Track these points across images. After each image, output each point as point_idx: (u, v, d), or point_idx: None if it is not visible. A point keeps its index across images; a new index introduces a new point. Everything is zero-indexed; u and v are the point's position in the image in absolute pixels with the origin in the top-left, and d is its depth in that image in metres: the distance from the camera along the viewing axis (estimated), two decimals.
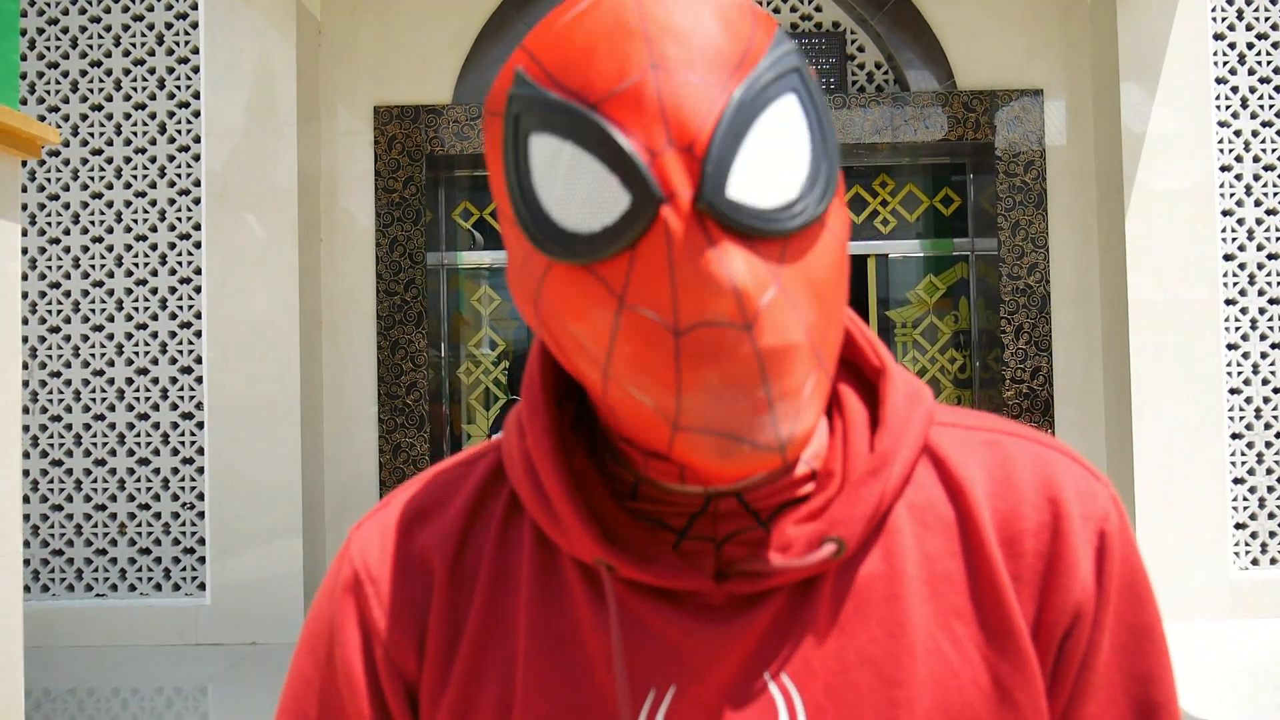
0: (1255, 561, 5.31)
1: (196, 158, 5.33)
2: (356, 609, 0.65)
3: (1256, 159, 5.37)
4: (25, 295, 5.33)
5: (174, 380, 5.33)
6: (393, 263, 5.67)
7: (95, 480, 5.33)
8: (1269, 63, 5.39)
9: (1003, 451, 0.65)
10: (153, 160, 5.36)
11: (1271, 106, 5.39)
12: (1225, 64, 5.38)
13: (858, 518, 0.59)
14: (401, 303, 5.66)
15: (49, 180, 5.36)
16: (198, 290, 5.32)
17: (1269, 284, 5.37)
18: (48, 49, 5.39)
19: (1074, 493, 0.63)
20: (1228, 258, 5.35)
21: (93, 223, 5.36)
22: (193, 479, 5.31)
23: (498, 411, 5.99)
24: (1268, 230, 5.37)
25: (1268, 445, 5.34)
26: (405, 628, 0.64)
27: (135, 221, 5.35)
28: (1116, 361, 5.44)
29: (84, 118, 5.38)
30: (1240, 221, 5.36)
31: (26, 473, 5.32)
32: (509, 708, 0.61)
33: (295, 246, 5.31)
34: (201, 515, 5.29)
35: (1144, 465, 5.22)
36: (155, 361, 5.33)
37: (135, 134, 5.36)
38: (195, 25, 5.35)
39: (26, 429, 5.31)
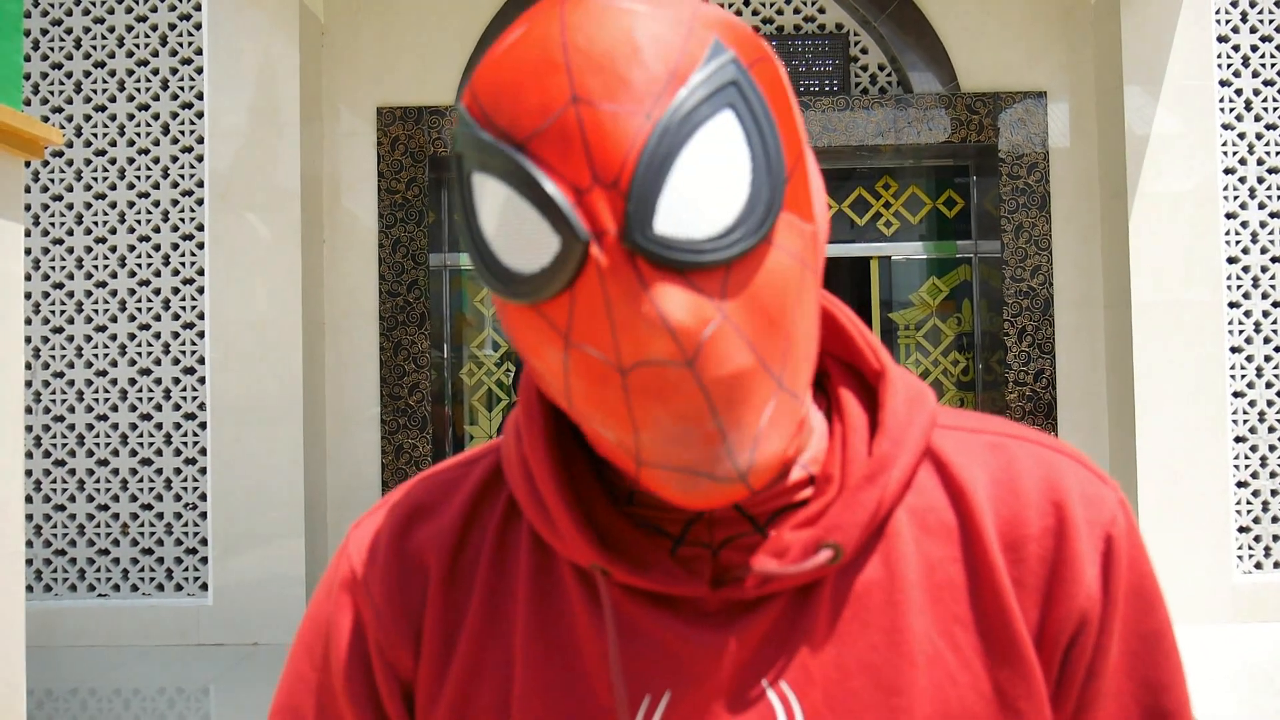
0: (1259, 565, 5.30)
1: (200, 158, 5.34)
2: (353, 607, 0.65)
3: (1260, 161, 5.36)
4: (28, 296, 5.34)
5: (176, 381, 5.33)
6: (395, 264, 5.67)
7: (98, 480, 5.34)
8: (1273, 65, 5.38)
9: (1007, 455, 0.63)
10: (156, 161, 5.36)
11: (1275, 109, 5.38)
12: (1229, 66, 5.37)
13: (855, 523, 0.59)
14: (404, 304, 5.67)
15: (52, 181, 5.37)
16: (200, 291, 5.33)
17: (1273, 287, 5.36)
18: (51, 50, 5.40)
19: (1079, 497, 0.62)
20: (1231, 260, 5.35)
21: (96, 223, 5.37)
22: (195, 479, 5.31)
23: (500, 413, 5.99)
24: (1271, 233, 5.36)
25: (1271, 449, 5.33)
26: (401, 627, 0.64)
27: (138, 222, 5.36)
28: (1120, 364, 5.43)
29: (87, 118, 5.39)
30: (1244, 224, 5.36)
31: (29, 472, 5.32)
32: (506, 711, 0.61)
33: (298, 247, 5.31)
34: (204, 516, 5.30)
35: (1147, 468, 5.21)
36: (158, 362, 5.33)
37: (139, 135, 5.37)
38: (199, 26, 5.36)
39: (29, 429, 5.32)
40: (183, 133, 5.36)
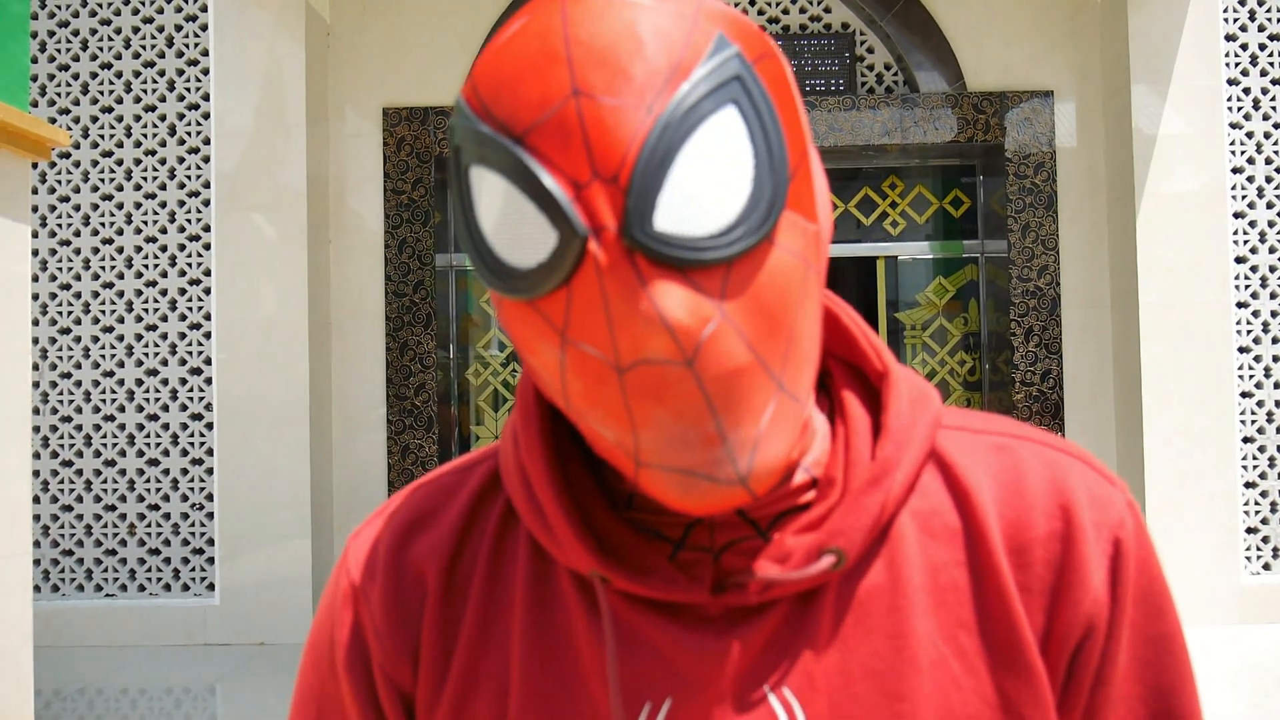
0: (1267, 566, 5.28)
1: (206, 159, 5.35)
2: (353, 620, 0.65)
3: (1269, 161, 5.34)
4: (36, 297, 5.35)
5: (183, 381, 5.34)
6: (401, 264, 5.68)
7: (105, 481, 5.35)
8: None
9: (1013, 456, 0.62)
10: (162, 162, 5.37)
11: None
12: (1237, 65, 5.35)
13: (858, 528, 0.58)
14: (410, 304, 5.67)
15: (59, 182, 5.39)
16: (207, 291, 5.34)
17: None
18: (58, 51, 5.42)
19: (1087, 499, 0.61)
20: (1239, 260, 5.33)
21: (103, 224, 5.38)
22: (202, 480, 5.32)
23: (506, 413, 5.99)
24: (1279, 233, 5.35)
25: (1279, 449, 5.31)
26: (400, 639, 0.63)
27: (145, 223, 5.37)
28: (1127, 364, 5.42)
29: (94, 120, 5.40)
30: (1252, 224, 5.34)
31: (37, 473, 5.34)
32: (504, 717, 0.60)
33: (304, 248, 5.32)
34: (210, 516, 5.31)
35: (1154, 469, 5.19)
36: (165, 363, 5.35)
37: (145, 136, 5.38)
38: (205, 28, 5.37)
39: (37, 429, 5.33)
40: (189, 134, 5.37)
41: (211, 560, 5.30)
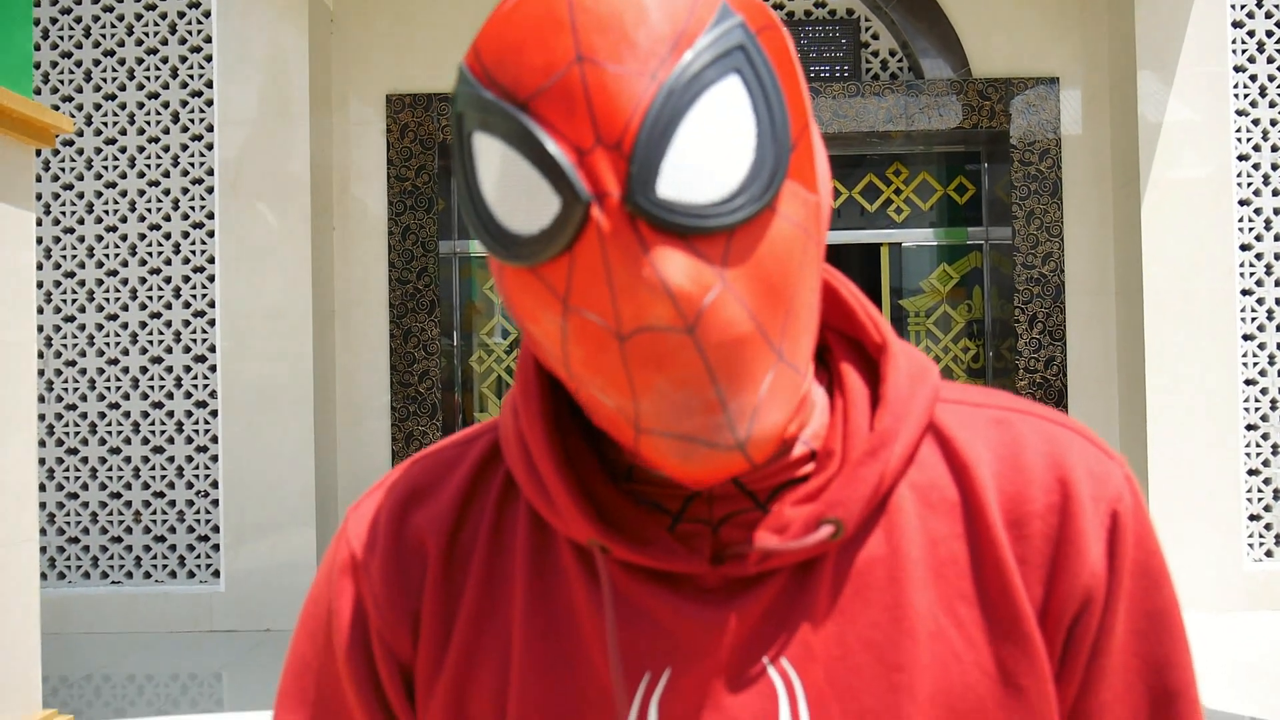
0: (1269, 553, 5.29)
1: (209, 147, 5.35)
2: (353, 591, 0.65)
3: (1275, 148, 5.33)
4: (40, 285, 5.36)
5: (188, 369, 5.35)
6: (405, 251, 5.68)
7: (110, 468, 5.37)
8: None
9: (1011, 430, 0.63)
10: (166, 149, 5.37)
11: None
12: (1244, 52, 5.33)
13: (856, 499, 0.58)
14: (414, 291, 5.67)
15: (63, 170, 5.39)
16: (211, 279, 5.34)
17: None
18: (61, 38, 5.41)
19: (1085, 473, 0.61)
20: (1244, 248, 5.32)
21: (106, 212, 5.38)
22: (207, 467, 5.34)
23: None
24: None
25: None
26: (399, 610, 0.63)
27: (149, 211, 5.37)
28: (1131, 352, 5.41)
29: (97, 107, 5.40)
30: (1258, 211, 5.32)
31: (42, 461, 5.35)
32: (504, 690, 0.60)
33: (308, 235, 5.32)
34: (216, 503, 5.32)
35: (1158, 456, 5.20)
36: (169, 350, 5.36)
37: (148, 123, 5.38)
38: (208, 14, 5.36)
39: (42, 417, 5.35)
40: (192, 121, 5.37)
41: (217, 547, 5.32)
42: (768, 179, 0.51)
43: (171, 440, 5.35)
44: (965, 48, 5.72)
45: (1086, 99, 5.69)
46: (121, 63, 5.40)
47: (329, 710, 0.66)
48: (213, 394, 5.33)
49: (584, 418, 0.64)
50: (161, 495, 5.36)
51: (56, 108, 5.37)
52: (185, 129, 5.37)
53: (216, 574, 5.33)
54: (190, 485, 5.35)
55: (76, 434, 5.37)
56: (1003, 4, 5.72)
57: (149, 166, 5.37)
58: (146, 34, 5.39)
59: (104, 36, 5.41)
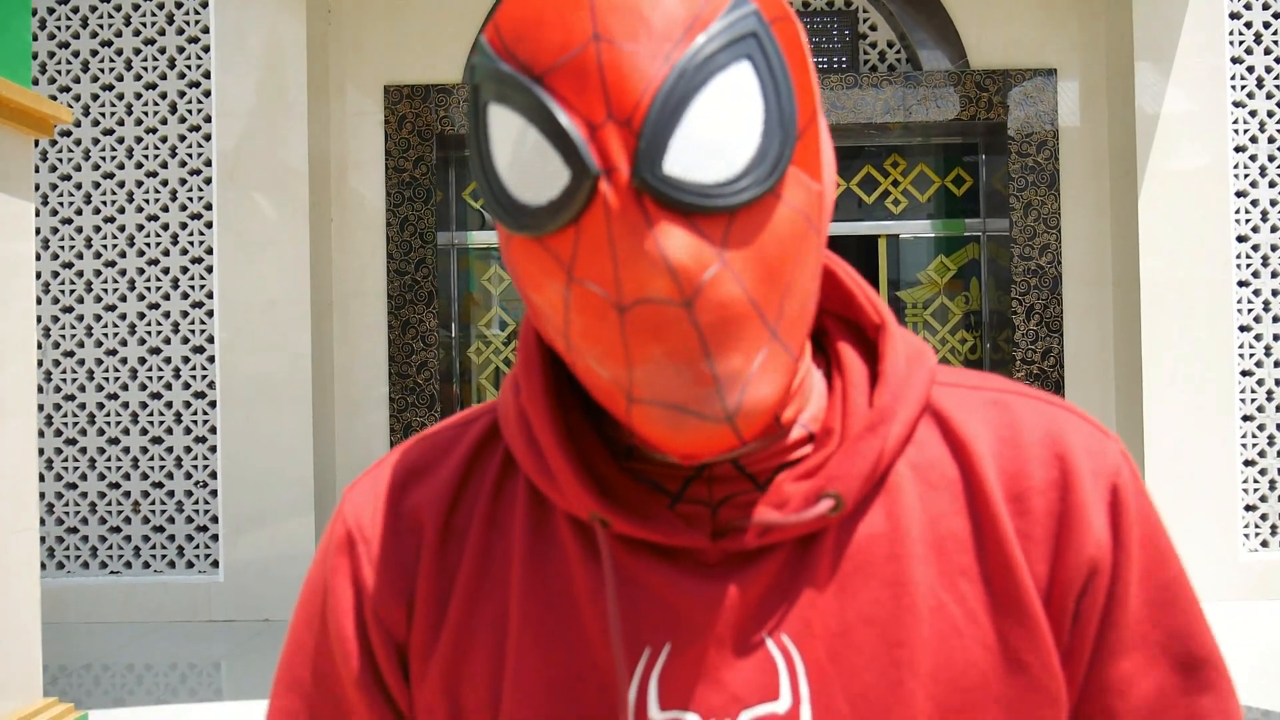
0: (1265, 544, 5.31)
1: (207, 137, 5.35)
2: (349, 568, 0.65)
3: (1271, 140, 5.33)
4: (38, 275, 5.36)
5: (186, 360, 5.36)
6: (403, 242, 5.68)
7: (109, 459, 5.37)
8: None
9: (1008, 410, 0.63)
10: (164, 140, 5.37)
11: None
12: (1241, 44, 5.33)
13: (855, 474, 0.59)
14: (412, 282, 5.68)
15: (60, 160, 5.38)
16: (209, 270, 5.34)
17: None
18: (58, 28, 5.40)
19: (1083, 450, 0.62)
20: (1241, 239, 5.33)
21: (104, 203, 5.38)
22: (205, 458, 5.34)
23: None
24: None
25: (1279, 427, 5.33)
26: (395, 587, 0.63)
27: (147, 201, 5.37)
28: (1128, 343, 5.43)
29: (95, 97, 5.39)
30: (1254, 203, 5.33)
31: (41, 451, 5.36)
32: (500, 667, 0.60)
33: (306, 226, 5.32)
34: (214, 494, 5.33)
35: (1155, 447, 5.21)
36: (167, 341, 5.36)
37: (146, 114, 5.37)
38: (205, 4, 5.35)
39: (41, 408, 5.35)
40: (190, 111, 5.36)
41: (215, 537, 5.33)
42: (772, 163, 0.52)
43: (170, 431, 5.36)
44: (963, 39, 5.72)
45: (1084, 91, 5.69)
46: (119, 53, 5.40)
47: (324, 691, 0.65)
48: (211, 385, 5.33)
49: (585, 396, 0.64)
50: (160, 485, 5.37)
51: (54, 98, 5.36)
52: (183, 120, 5.37)
53: (215, 564, 5.34)
54: (189, 476, 5.36)
55: (75, 424, 5.38)
56: None
57: (147, 157, 5.37)
58: (144, 24, 5.38)
59: (101, 27, 5.40)
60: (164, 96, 5.37)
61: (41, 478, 5.36)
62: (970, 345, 6.05)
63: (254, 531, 5.27)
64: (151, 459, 5.36)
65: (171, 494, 5.36)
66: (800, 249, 0.54)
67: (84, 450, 5.38)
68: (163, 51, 5.38)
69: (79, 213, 5.38)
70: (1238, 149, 5.32)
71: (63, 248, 5.38)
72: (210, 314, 5.34)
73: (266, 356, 5.28)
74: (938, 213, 6.07)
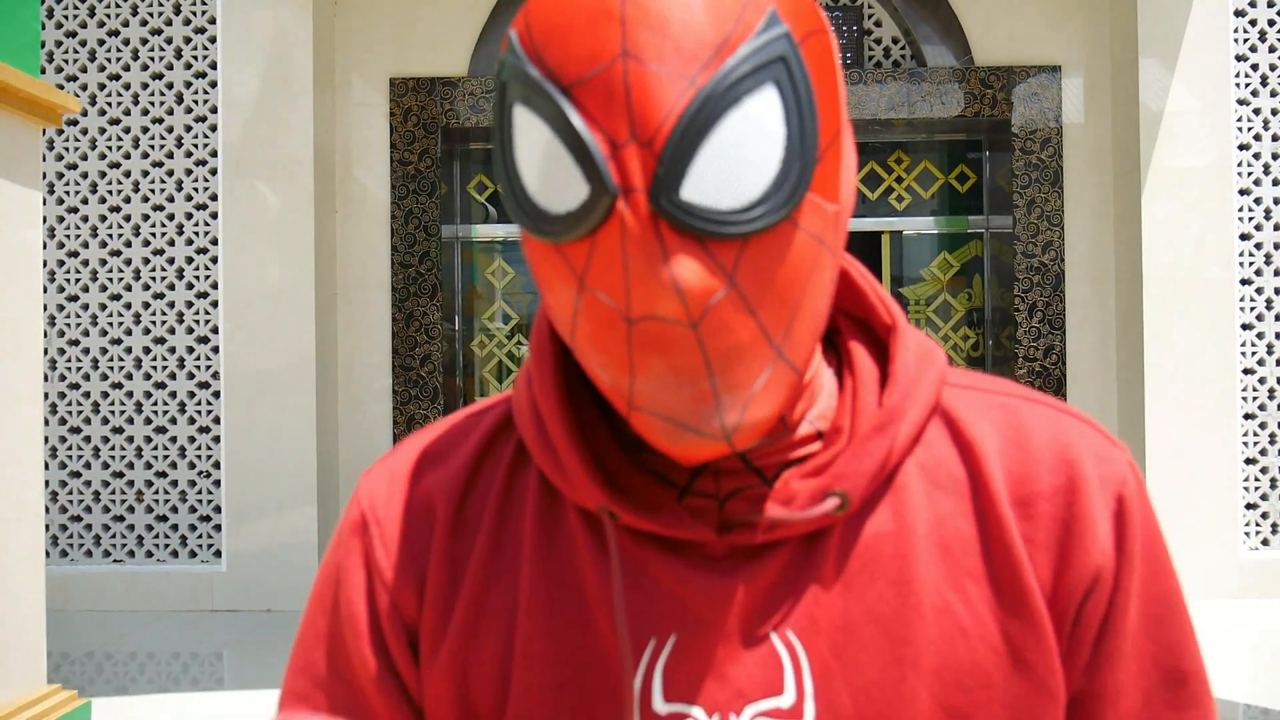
0: (1265, 542, 5.31)
1: (213, 128, 5.35)
2: (362, 551, 0.66)
3: (1275, 137, 5.33)
4: (44, 264, 5.37)
5: (190, 349, 5.37)
6: (407, 235, 5.69)
7: (113, 448, 5.39)
8: None
9: (1017, 415, 0.64)
10: (170, 130, 5.38)
11: None
12: (1245, 41, 5.33)
13: (862, 472, 0.59)
14: (416, 275, 5.69)
15: (67, 149, 5.39)
16: (214, 260, 5.35)
17: None
18: (66, 18, 5.41)
19: (1090, 458, 0.62)
20: (1244, 237, 5.33)
21: (110, 192, 5.39)
22: (209, 448, 5.36)
23: (511, 385, 6.02)
24: None
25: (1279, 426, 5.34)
26: (407, 571, 0.64)
27: (152, 191, 5.38)
28: (1131, 340, 5.43)
29: (101, 87, 5.40)
30: (1258, 201, 5.33)
31: (45, 439, 5.37)
32: (509, 653, 0.61)
33: (311, 218, 5.33)
34: (218, 484, 5.35)
35: (1156, 444, 5.22)
36: (172, 331, 5.37)
37: (152, 104, 5.38)
38: None
39: (45, 396, 5.36)
40: (196, 102, 5.37)
41: (218, 527, 5.35)
42: (789, 193, 0.52)
43: (174, 420, 5.38)
44: (967, 35, 5.72)
45: (1088, 87, 5.69)
46: (126, 43, 5.40)
47: (336, 672, 0.66)
48: (215, 375, 5.35)
49: (596, 389, 0.65)
50: (164, 475, 5.38)
51: (61, 87, 5.36)
52: (189, 110, 5.38)
53: (218, 554, 5.35)
54: (192, 465, 5.37)
55: (79, 413, 5.39)
56: None
57: (153, 147, 5.38)
58: (151, 14, 5.39)
59: (109, 16, 5.41)
60: (170, 86, 5.38)
61: (46, 466, 5.37)
62: (972, 342, 6.06)
63: (257, 521, 5.29)
64: (155, 448, 5.38)
65: (175, 483, 5.38)
66: (812, 272, 0.55)
67: (88, 439, 5.40)
68: (169, 42, 5.38)
69: (85, 202, 5.39)
70: (1241, 146, 5.32)
71: (68, 237, 5.39)
72: (215, 304, 5.35)
73: (270, 347, 5.29)
74: (941, 209, 6.07)
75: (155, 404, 5.38)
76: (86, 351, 5.39)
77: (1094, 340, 5.66)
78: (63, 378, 5.39)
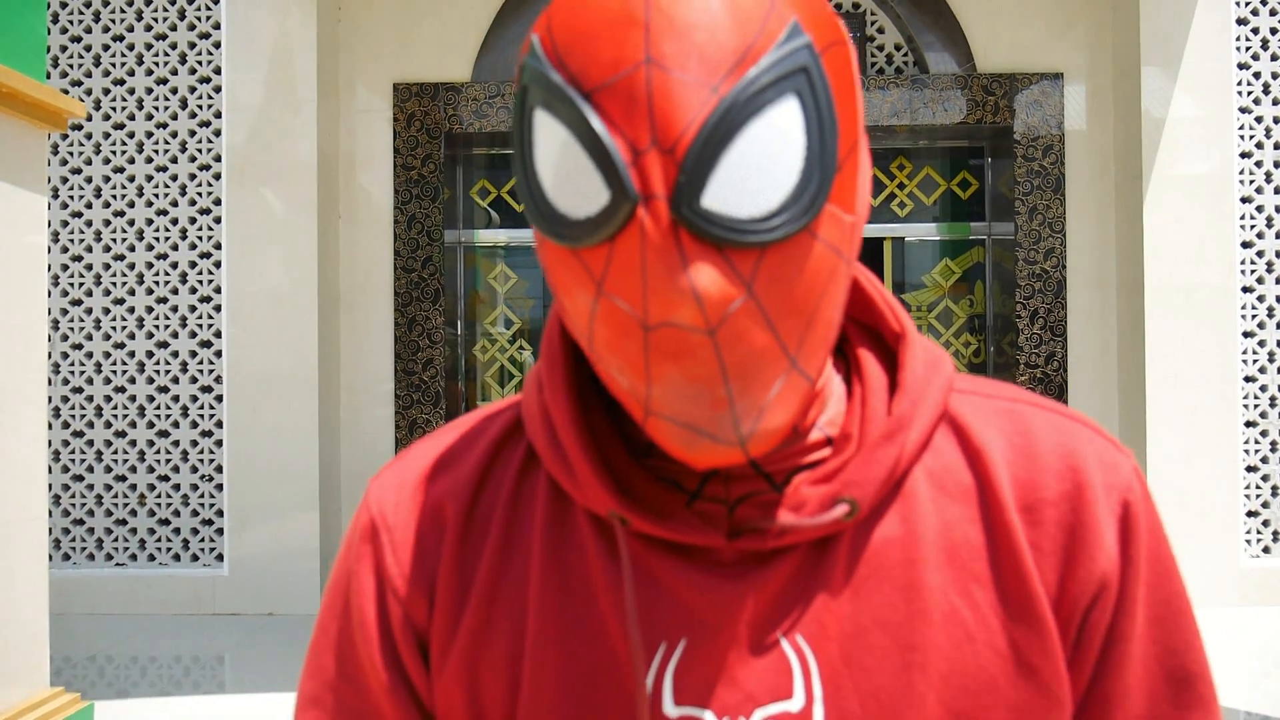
0: (1266, 549, 5.31)
1: (217, 133, 5.37)
2: (373, 557, 0.66)
3: (1278, 145, 5.34)
4: (48, 268, 5.38)
5: (193, 354, 5.38)
6: (410, 240, 5.70)
7: (116, 451, 5.40)
8: None
9: (1024, 421, 0.64)
10: (174, 135, 5.39)
11: None
12: (1248, 49, 5.34)
13: (872, 479, 0.60)
14: (419, 280, 5.69)
15: (71, 154, 5.41)
16: (217, 265, 5.36)
17: None
18: (71, 23, 5.42)
19: (1096, 464, 0.62)
20: (1246, 245, 5.33)
21: (114, 197, 5.40)
22: (211, 452, 5.36)
23: (513, 390, 6.02)
24: None
25: None
26: (417, 576, 0.64)
27: (156, 196, 5.39)
28: (1132, 347, 5.44)
29: (106, 92, 5.41)
30: (1259, 208, 5.34)
31: (48, 443, 5.37)
32: (519, 658, 0.61)
33: (314, 223, 5.34)
34: (220, 488, 5.35)
35: (1157, 451, 5.22)
36: (175, 335, 5.38)
37: (157, 109, 5.40)
38: (216, 0, 5.37)
39: (48, 400, 5.37)
40: (200, 107, 5.39)
41: (221, 531, 5.35)
42: (808, 203, 0.52)
43: (177, 424, 5.38)
44: (970, 43, 5.73)
45: (1090, 95, 5.70)
46: (130, 48, 5.42)
47: (347, 677, 0.66)
48: (218, 379, 5.36)
49: (607, 394, 0.65)
50: (166, 479, 5.39)
51: (66, 92, 5.38)
52: (193, 115, 5.39)
53: (220, 558, 5.36)
54: (195, 469, 5.38)
55: (82, 417, 5.40)
56: (1008, 0, 5.74)
57: (157, 152, 5.39)
58: (155, 19, 5.41)
59: (113, 21, 5.42)
60: (175, 92, 5.40)
61: (49, 469, 5.37)
62: (974, 348, 6.06)
63: (259, 526, 5.29)
64: (158, 452, 5.38)
65: (177, 487, 5.38)
66: (829, 283, 0.55)
67: (91, 442, 5.40)
68: (174, 47, 5.40)
69: (89, 206, 5.41)
70: (1243, 154, 5.33)
71: (72, 241, 5.40)
72: (218, 309, 5.36)
73: (273, 352, 5.30)
74: (943, 216, 6.08)
75: (158, 408, 5.38)
76: (90, 355, 5.40)
77: (1095, 347, 5.66)
78: (66, 381, 5.40)
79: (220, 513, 5.36)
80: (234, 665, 4.60)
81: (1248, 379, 5.32)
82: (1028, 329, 5.66)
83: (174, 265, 5.38)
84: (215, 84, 5.37)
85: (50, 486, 5.36)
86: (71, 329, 5.41)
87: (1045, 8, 5.73)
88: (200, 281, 5.38)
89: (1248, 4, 5.34)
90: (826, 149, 0.53)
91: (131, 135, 5.40)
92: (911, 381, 0.63)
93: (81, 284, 5.41)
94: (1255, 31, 5.35)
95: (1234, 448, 5.26)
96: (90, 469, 5.41)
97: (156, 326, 5.39)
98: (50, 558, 5.31)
